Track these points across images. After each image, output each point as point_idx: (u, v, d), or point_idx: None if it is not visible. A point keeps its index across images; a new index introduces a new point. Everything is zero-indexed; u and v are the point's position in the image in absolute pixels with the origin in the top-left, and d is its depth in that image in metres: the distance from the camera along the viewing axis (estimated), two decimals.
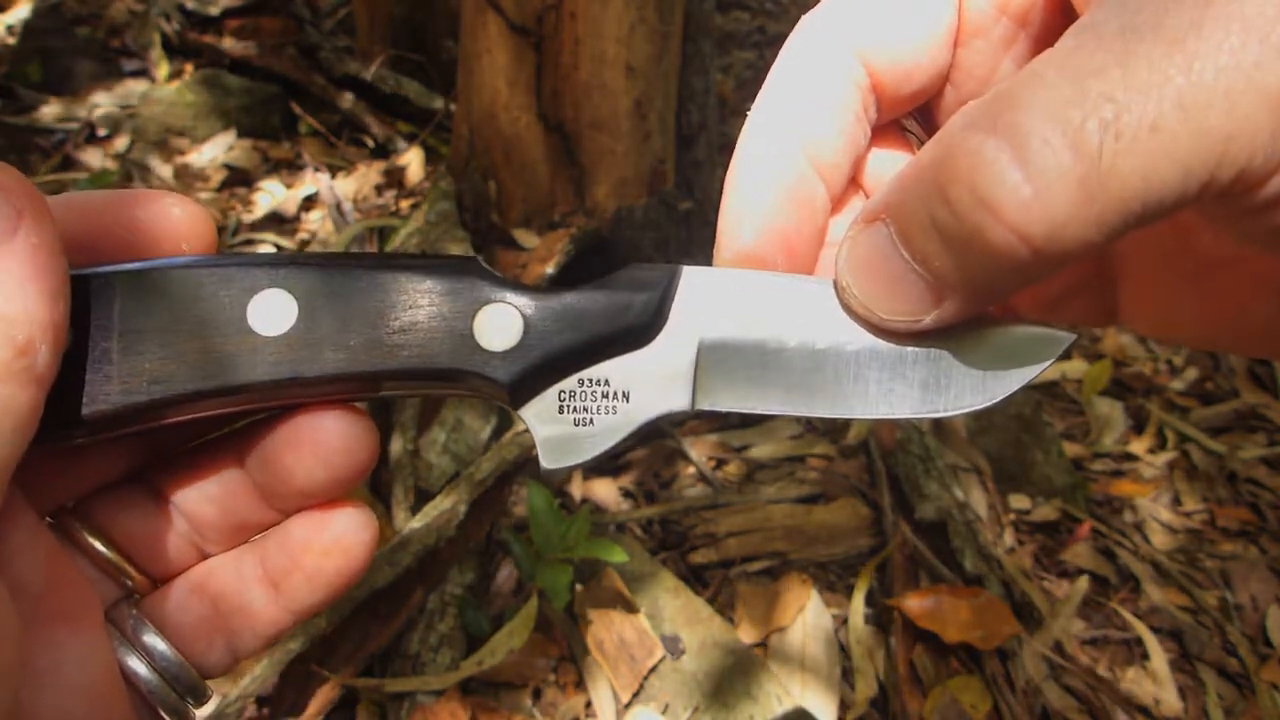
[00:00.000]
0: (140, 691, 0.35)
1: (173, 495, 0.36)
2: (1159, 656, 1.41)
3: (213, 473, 0.36)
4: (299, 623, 0.37)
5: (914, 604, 1.36)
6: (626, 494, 1.59)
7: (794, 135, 0.35)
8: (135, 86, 2.59)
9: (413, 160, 2.40)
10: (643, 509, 1.54)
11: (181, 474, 0.36)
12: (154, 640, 0.35)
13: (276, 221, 2.21)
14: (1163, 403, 1.91)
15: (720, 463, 1.66)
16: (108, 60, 2.69)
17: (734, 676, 1.25)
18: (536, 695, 1.26)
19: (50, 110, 2.47)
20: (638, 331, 0.34)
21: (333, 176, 2.32)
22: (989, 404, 0.34)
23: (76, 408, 0.32)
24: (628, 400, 0.34)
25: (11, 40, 2.63)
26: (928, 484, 1.53)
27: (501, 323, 0.34)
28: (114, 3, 2.89)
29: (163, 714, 0.35)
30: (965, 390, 0.34)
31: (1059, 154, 0.26)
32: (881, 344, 0.34)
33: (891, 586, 1.41)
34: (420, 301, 0.34)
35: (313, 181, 2.29)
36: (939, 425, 1.70)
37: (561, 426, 0.35)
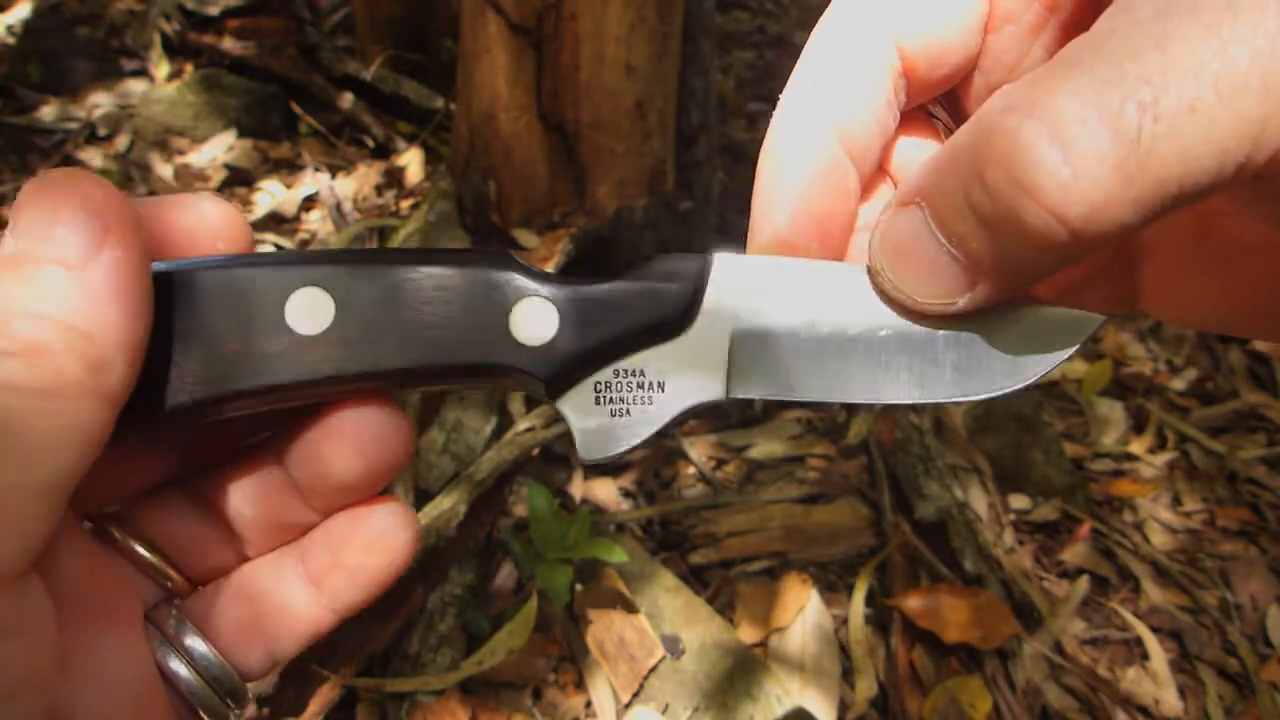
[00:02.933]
0: (181, 693, 0.35)
1: (213, 496, 0.36)
2: (1159, 656, 1.41)
3: (252, 471, 0.36)
4: (340, 623, 0.37)
5: (914, 604, 1.36)
6: (626, 494, 1.59)
7: (827, 119, 0.35)
8: (135, 86, 2.59)
9: (413, 160, 2.40)
10: (643, 509, 1.54)
11: (221, 474, 0.37)
12: (195, 642, 0.35)
13: (276, 221, 2.21)
14: (1163, 403, 1.91)
15: (720, 463, 1.66)
16: (108, 60, 2.69)
17: (734, 676, 1.25)
18: (536, 695, 1.26)
19: (50, 110, 2.47)
20: (671, 322, 0.34)
21: (333, 176, 2.32)
22: (1021, 386, 0.34)
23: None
24: (663, 390, 0.35)
25: (11, 40, 2.63)
26: (928, 484, 1.53)
27: (538, 316, 0.34)
28: (114, 3, 2.89)
29: (203, 716, 0.36)
30: (997, 373, 0.34)
31: (1098, 136, 0.26)
32: (914, 328, 0.34)
33: (891, 586, 1.41)
34: (457, 296, 0.34)
35: (313, 181, 2.29)
36: (939, 425, 1.70)
37: (598, 417, 0.35)
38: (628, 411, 0.35)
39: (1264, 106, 0.26)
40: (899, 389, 0.34)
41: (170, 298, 0.32)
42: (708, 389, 0.35)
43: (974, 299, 0.32)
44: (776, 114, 0.36)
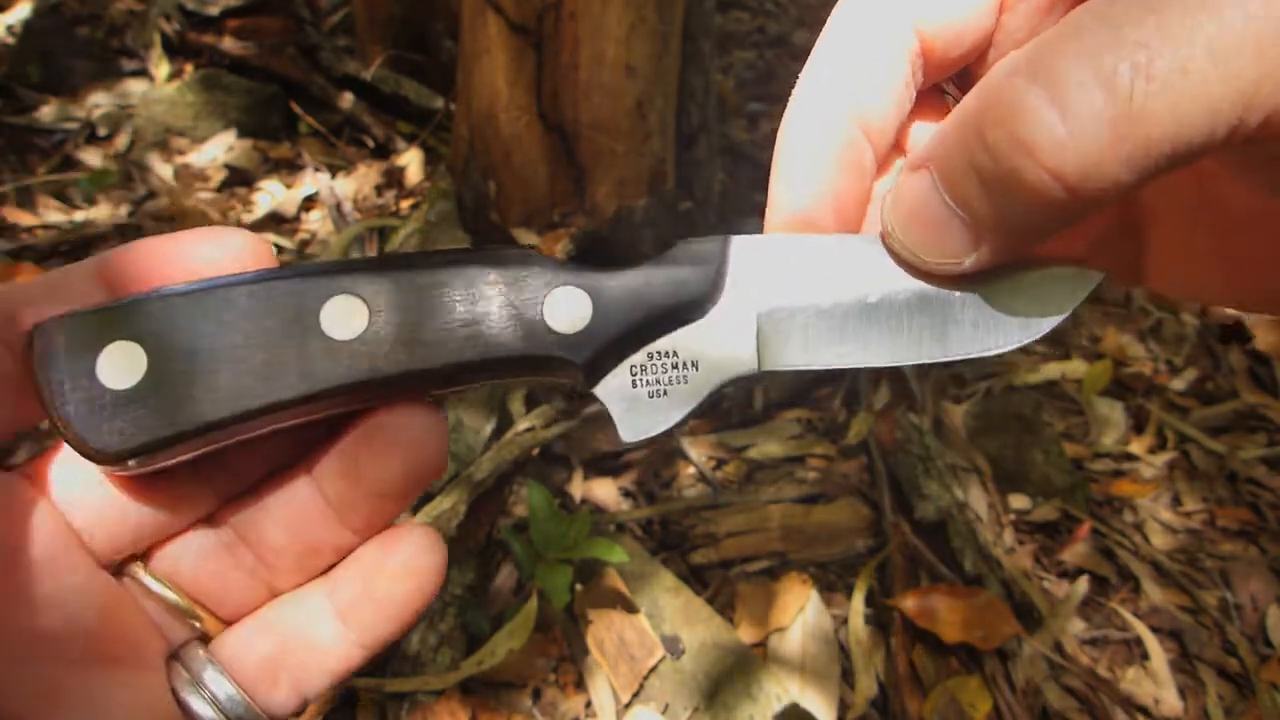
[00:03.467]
0: None
1: (243, 526, 0.36)
2: (1159, 656, 1.41)
3: (283, 493, 0.36)
4: (368, 658, 0.37)
5: (913, 604, 1.36)
6: (626, 494, 1.59)
7: (846, 100, 0.36)
8: (135, 86, 2.59)
9: (413, 160, 2.40)
10: (643, 509, 1.54)
11: (252, 501, 0.36)
12: (220, 682, 0.35)
13: (276, 221, 2.21)
14: (1163, 403, 1.91)
15: (720, 463, 1.66)
16: (108, 60, 2.69)
17: (734, 676, 1.25)
18: (536, 695, 1.26)
19: (50, 110, 2.47)
20: (699, 301, 0.36)
21: (333, 176, 2.32)
22: (1036, 338, 0.36)
23: (160, 429, 0.32)
24: (696, 369, 0.36)
25: (11, 40, 2.63)
26: (928, 484, 1.53)
27: (571, 305, 0.35)
28: (114, 3, 2.89)
29: None
30: (1013, 328, 0.35)
31: (1093, 97, 0.27)
32: (930, 290, 0.35)
33: (891, 586, 1.41)
34: (489, 293, 0.34)
35: (313, 181, 2.29)
36: (939, 425, 1.70)
37: (636, 399, 0.36)
38: (664, 392, 0.36)
39: (1256, 69, 0.26)
40: (921, 349, 0.36)
41: (204, 314, 0.33)
42: (739, 364, 0.36)
43: (980, 259, 0.33)
44: (795, 94, 0.37)
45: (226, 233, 0.35)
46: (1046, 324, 0.35)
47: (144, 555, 0.35)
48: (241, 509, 0.36)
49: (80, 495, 0.33)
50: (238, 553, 0.36)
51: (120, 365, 0.32)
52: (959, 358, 0.36)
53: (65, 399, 0.31)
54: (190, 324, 0.32)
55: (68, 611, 0.31)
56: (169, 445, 0.32)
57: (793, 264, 0.36)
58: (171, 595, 0.35)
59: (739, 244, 0.36)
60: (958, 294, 0.35)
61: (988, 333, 0.35)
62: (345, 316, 0.33)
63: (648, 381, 0.36)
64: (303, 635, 0.36)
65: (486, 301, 0.34)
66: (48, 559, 0.32)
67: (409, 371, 0.34)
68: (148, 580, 0.35)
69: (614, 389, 0.36)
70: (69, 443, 0.32)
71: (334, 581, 0.36)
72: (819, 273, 0.36)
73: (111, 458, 0.32)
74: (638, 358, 0.36)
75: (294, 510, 0.36)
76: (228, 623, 0.37)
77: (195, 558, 0.36)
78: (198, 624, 0.36)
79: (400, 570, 0.36)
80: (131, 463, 0.32)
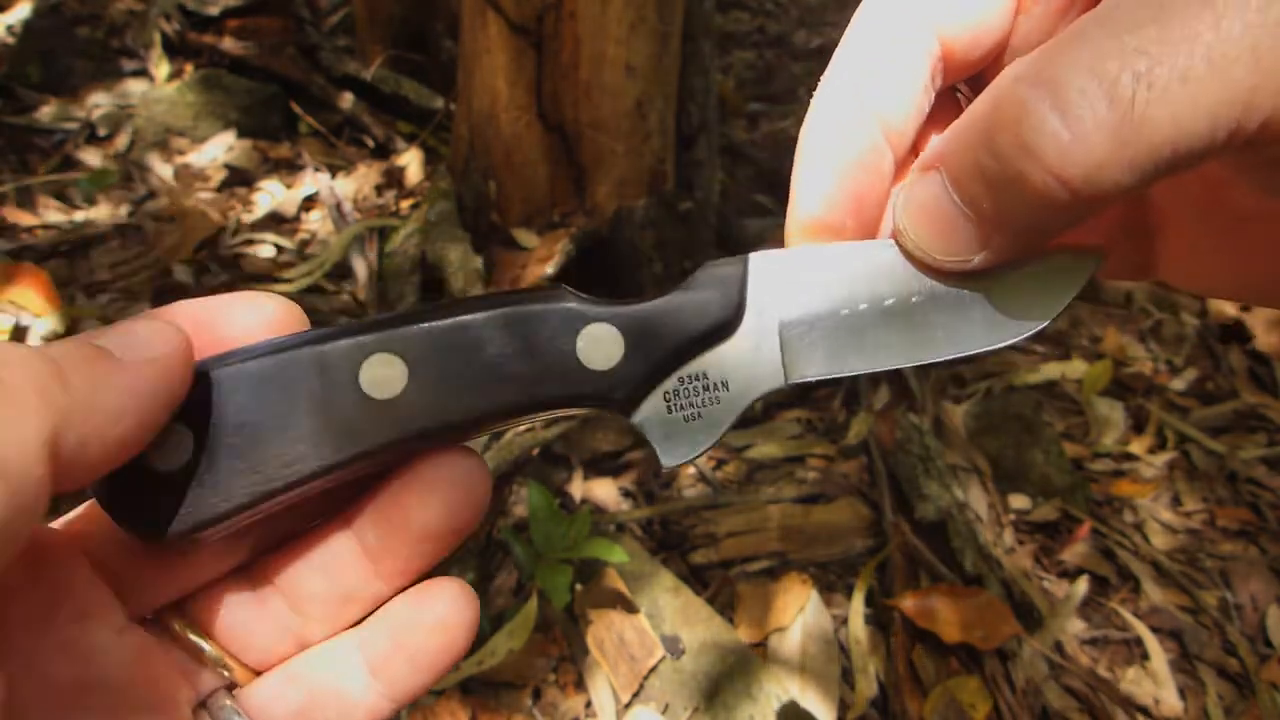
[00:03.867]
0: None
1: (278, 576, 0.36)
2: (1159, 656, 1.41)
3: (320, 545, 0.36)
4: (397, 710, 0.37)
5: (913, 604, 1.36)
6: (626, 494, 1.59)
7: (868, 105, 0.37)
8: (135, 86, 2.59)
9: (413, 160, 2.40)
10: (643, 509, 1.54)
11: (288, 552, 0.36)
12: None
13: (276, 221, 2.21)
14: (1163, 403, 1.91)
15: (720, 463, 1.66)
16: (108, 60, 2.69)
17: (734, 676, 1.25)
18: (536, 695, 1.26)
19: (50, 110, 2.47)
20: (724, 324, 0.36)
21: (333, 176, 2.32)
22: (1044, 324, 0.37)
23: (212, 507, 0.32)
24: (727, 389, 0.37)
25: (11, 40, 2.63)
26: (928, 484, 1.53)
27: (604, 341, 0.36)
28: (114, 3, 2.89)
29: None
30: (1023, 317, 0.36)
31: (1095, 103, 0.28)
32: (942, 289, 0.36)
33: (891, 586, 1.41)
34: (522, 335, 0.35)
35: (313, 181, 2.29)
36: (939, 425, 1.70)
37: (673, 424, 0.37)
38: (699, 415, 0.37)
39: (1253, 75, 0.27)
40: (937, 348, 0.36)
41: (245, 387, 0.33)
42: (768, 379, 0.37)
43: (988, 257, 0.34)
44: (816, 96, 0.38)
45: (260, 298, 0.35)
46: (1054, 309, 0.36)
47: (177, 604, 0.35)
48: (276, 558, 0.36)
49: (115, 550, 0.33)
50: (270, 602, 0.36)
51: (166, 447, 0.32)
52: (974, 352, 0.36)
53: (113, 486, 0.31)
54: (233, 399, 0.32)
55: (99, 664, 0.32)
56: (219, 522, 0.32)
57: (810, 276, 0.37)
58: (203, 644, 0.35)
59: (758, 261, 0.37)
60: (968, 290, 0.36)
61: (1000, 325, 0.36)
62: (384, 376, 0.34)
63: (681, 406, 0.37)
64: (332, 687, 0.36)
65: (521, 346, 0.35)
66: (81, 612, 0.32)
67: (451, 423, 0.34)
68: (179, 629, 0.35)
69: (650, 417, 0.36)
70: (118, 524, 0.32)
71: (365, 634, 0.36)
72: (836, 282, 0.37)
73: (162, 537, 0.32)
74: (670, 384, 0.36)
75: (330, 558, 0.36)
76: (256, 672, 0.36)
77: (227, 606, 0.36)
78: (227, 673, 0.36)
79: (434, 624, 0.36)
80: (176, 542, 0.33)
